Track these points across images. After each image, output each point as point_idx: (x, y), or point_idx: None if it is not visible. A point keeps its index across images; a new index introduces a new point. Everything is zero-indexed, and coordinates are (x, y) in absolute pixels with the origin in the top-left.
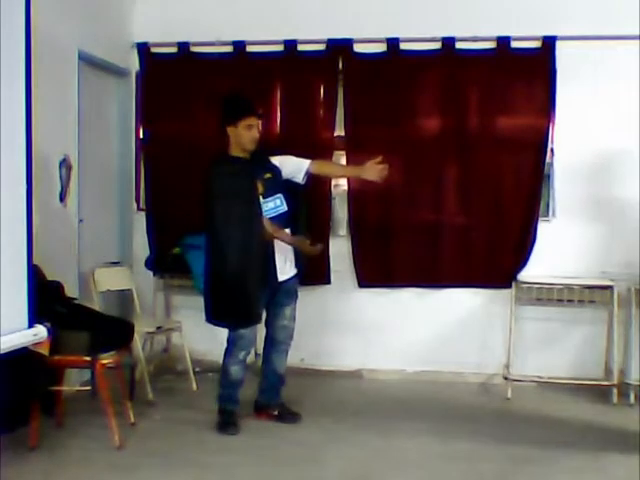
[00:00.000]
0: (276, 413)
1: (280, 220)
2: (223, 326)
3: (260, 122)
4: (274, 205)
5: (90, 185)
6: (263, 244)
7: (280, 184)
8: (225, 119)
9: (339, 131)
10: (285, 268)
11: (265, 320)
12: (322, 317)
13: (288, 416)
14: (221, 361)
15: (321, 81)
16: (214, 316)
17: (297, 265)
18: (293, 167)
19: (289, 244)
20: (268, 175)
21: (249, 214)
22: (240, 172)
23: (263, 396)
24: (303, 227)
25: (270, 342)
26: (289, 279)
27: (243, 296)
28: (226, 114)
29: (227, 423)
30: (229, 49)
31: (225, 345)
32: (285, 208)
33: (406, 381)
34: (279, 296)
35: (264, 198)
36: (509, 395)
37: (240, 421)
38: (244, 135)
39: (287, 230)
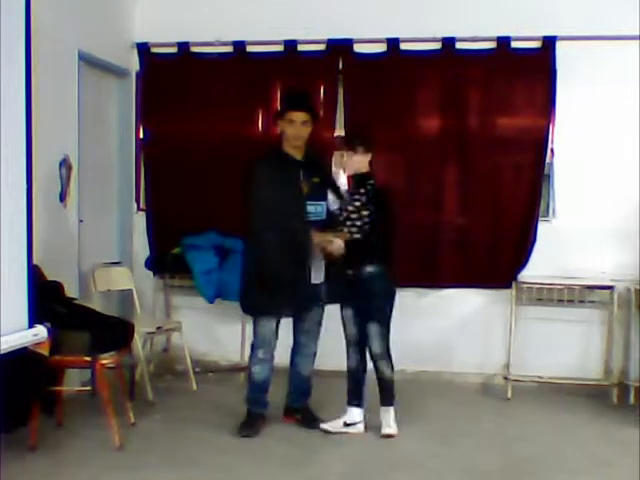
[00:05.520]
0: (299, 417)
1: (316, 227)
2: (250, 313)
3: (309, 120)
4: (314, 210)
5: (90, 185)
6: (302, 243)
7: (326, 193)
8: (277, 113)
9: (339, 131)
10: (318, 272)
11: (293, 324)
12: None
13: (309, 421)
14: (221, 361)
15: (321, 81)
16: (243, 303)
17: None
18: (331, 199)
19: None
20: (316, 179)
21: (292, 210)
22: (286, 170)
23: (289, 399)
24: None
25: (295, 345)
26: (319, 284)
27: (274, 286)
28: (279, 107)
29: (246, 425)
30: (229, 49)
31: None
32: (324, 217)
33: (406, 381)
34: (306, 299)
35: (307, 200)
36: (509, 395)
37: (264, 425)
38: (287, 130)
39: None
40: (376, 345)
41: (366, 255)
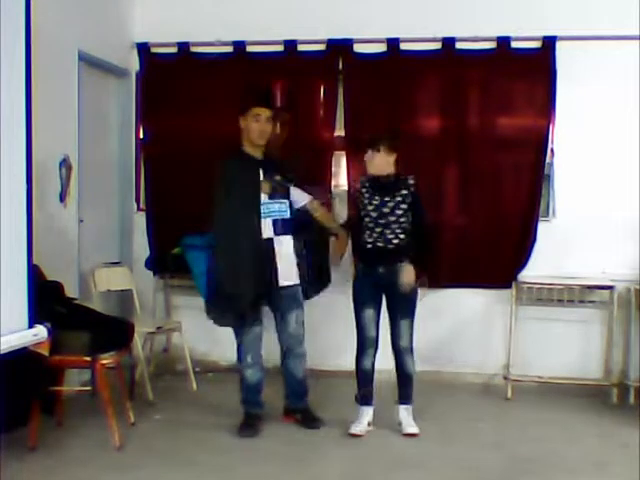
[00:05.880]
0: (299, 417)
1: (283, 226)
2: (216, 323)
3: (270, 117)
4: (278, 208)
5: (90, 185)
6: (259, 245)
7: (288, 191)
8: (239, 110)
9: (339, 131)
10: (288, 274)
11: (275, 328)
12: (323, 317)
13: (309, 422)
14: (221, 361)
15: (321, 81)
16: (208, 313)
17: (318, 279)
18: (296, 196)
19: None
20: (278, 177)
21: (247, 213)
22: (246, 169)
23: (287, 401)
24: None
25: (282, 349)
26: (291, 286)
27: (230, 295)
28: (240, 104)
29: (247, 425)
30: (229, 49)
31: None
32: (288, 215)
33: None
34: (282, 303)
35: (270, 199)
36: (509, 395)
37: (262, 424)
38: (252, 127)
39: (289, 236)
40: (405, 340)
41: (403, 253)
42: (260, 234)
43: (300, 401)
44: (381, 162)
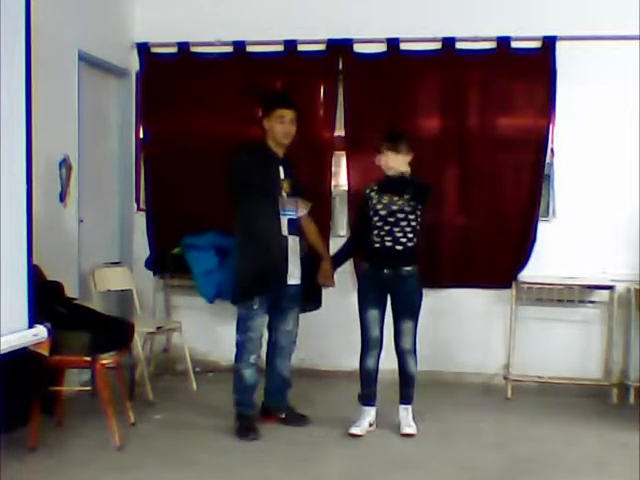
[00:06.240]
0: (283, 416)
1: (294, 225)
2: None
3: (294, 118)
4: (293, 208)
5: (90, 185)
6: (280, 241)
7: (301, 191)
8: (262, 113)
9: (339, 131)
10: (294, 273)
11: (269, 325)
12: (322, 317)
13: (295, 419)
14: (221, 361)
15: (321, 81)
16: (242, 291)
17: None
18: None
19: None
20: (294, 178)
21: (270, 210)
22: (268, 162)
23: (269, 400)
24: None
25: (274, 346)
26: (294, 285)
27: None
28: (262, 107)
29: (247, 429)
30: (229, 49)
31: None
32: (296, 215)
33: None
34: (284, 300)
35: (288, 197)
36: (509, 395)
37: (258, 425)
38: (276, 128)
39: (297, 237)
40: (407, 341)
41: (410, 255)
42: (280, 231)
43: (284, 399)
44: (400, 163)
